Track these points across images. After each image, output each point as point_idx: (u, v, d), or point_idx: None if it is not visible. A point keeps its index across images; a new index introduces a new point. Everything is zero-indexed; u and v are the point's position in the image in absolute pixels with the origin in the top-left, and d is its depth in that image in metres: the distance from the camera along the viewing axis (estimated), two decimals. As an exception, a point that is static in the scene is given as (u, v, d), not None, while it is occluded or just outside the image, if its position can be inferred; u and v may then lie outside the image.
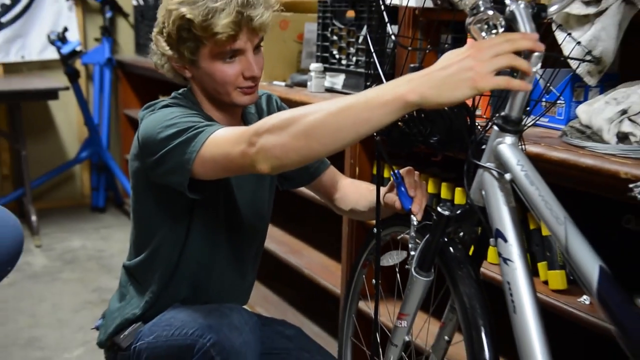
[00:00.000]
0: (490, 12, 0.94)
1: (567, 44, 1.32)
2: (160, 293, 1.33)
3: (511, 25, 0.97)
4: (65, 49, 3.29)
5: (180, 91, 1.33)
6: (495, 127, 1.00)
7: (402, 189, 1.21)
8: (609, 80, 1.42)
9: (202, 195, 1.19)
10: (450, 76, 0.86)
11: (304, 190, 2.06)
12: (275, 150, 0.98)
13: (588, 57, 1.29)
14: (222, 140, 1.09)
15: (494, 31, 0.94)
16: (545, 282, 1.41)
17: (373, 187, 1.37)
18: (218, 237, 1.33)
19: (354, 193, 1.44)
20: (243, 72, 1.23)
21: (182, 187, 1.15)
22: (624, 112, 1.23)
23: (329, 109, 0.93)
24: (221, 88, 1.24)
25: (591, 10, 1.33)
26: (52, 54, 3.50)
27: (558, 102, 1.44)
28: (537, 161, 1.04)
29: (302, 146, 0.95)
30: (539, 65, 0.93)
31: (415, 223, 1.17)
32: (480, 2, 0.95)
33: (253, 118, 1.40)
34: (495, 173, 0.99)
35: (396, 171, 1.22)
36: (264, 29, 1.23)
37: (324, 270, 2.13)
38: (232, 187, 1.32)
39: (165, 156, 1.15)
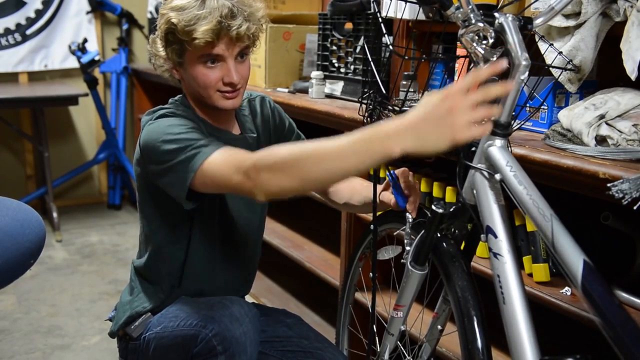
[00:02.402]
0: (481, 25, 0.93)
1: (549, 54, 1.31)
2: (171, 290, 1.32)
3: (500, 36, 0.96)
4: (85, 59, 3.27)
5: (176, 97, 1.32)
6: (486, 131, 0.99)
7: (398, 188, 1.19)
8: (588, 87, 1.41)
9: (198, 204, 1.19)
10: (432, 132, 0.85)
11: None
12: (272, 188, 0.98)
13: (569, 66, 1.28)
14: (220, 164, 1.07)
15: (484, 41, 0.93)
16: (530, 275, 1.40)
17: (367, 184, 1.36)
18: (216, 237, 1.32)
19: (347, 187, 1.43)
20: (223, 78, 1.21)
21: (180, 199, 1.15)
22: (601, 116, 1.22)
23: (324, 157, 0.92)
24: (203, 91, 1.22)
25: (571, 22, 1.32)
26: (72, 63, 3.49)
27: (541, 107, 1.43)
28: (521, 162, 1.03)
29: (298, 186, 0.97)
30: (527, 73, 0.91)
31: (410, 220, 1.16)
32: (472, 15, 0.94)
33: (247, 120, 1.38)
34: (486, 173, 0.98)
35: (392, 172, 1.21)
36: (242, 39, 1.20)
37: (324, 263, 2.11)
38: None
39: (166, 170, 1.14)
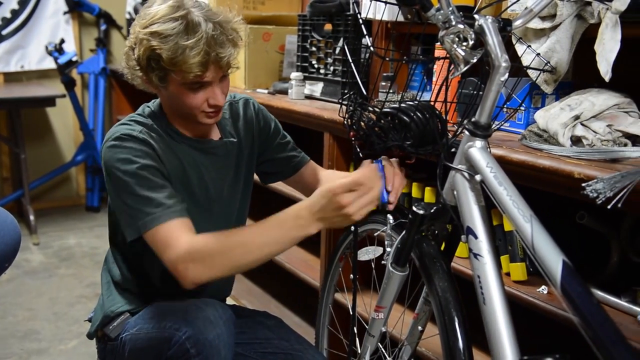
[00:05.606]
0: (461, 26, 0.92)
1: (526, 55, 1.31)
2: (146, 292, 1.30)
3: (480, 38, 0.95)
4: (62, 59, 3.22)
5: (150, 105, 1.29)
6: (466, 132, 0.98)
7: (382, 181, 1.15)
8: (564, 88, 1.41)
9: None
10: (334, 218, 1.01)
11: (286, 190, 2.03)
12: (201, 278, 1.06)
13: (547, 67, 1.28)
14: (160, 238, 1.10)
15: (464, 43, 0.92)
16: (508, 274, 1.40)
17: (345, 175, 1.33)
18: None
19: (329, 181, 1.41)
20: (208, 100, 1.18)
21: (127, 238, 1.15)
22: (577, 117, 1.22)
23: (251, 247, 1.05)
24: (187, 110, 1.20)
25: (547, 24, 1.32)
26: (50, 64, 3.42)
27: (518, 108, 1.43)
28: (499, 162, 1.02)
29: (226, 274, 1.09)
30: (507, 75, 0.91)
31: (391, 221, 1.14)
32: (452, 17, 0.93)
33: (227, 124, 1.35)
34: (466, 174, 0.98)
35: (379, 160, 1.15)
36: (230, 65, 1.18)
37: (304, 264, 2.10)
38: (198, 197, 1.27)
39: (116, 209, 1.17)
